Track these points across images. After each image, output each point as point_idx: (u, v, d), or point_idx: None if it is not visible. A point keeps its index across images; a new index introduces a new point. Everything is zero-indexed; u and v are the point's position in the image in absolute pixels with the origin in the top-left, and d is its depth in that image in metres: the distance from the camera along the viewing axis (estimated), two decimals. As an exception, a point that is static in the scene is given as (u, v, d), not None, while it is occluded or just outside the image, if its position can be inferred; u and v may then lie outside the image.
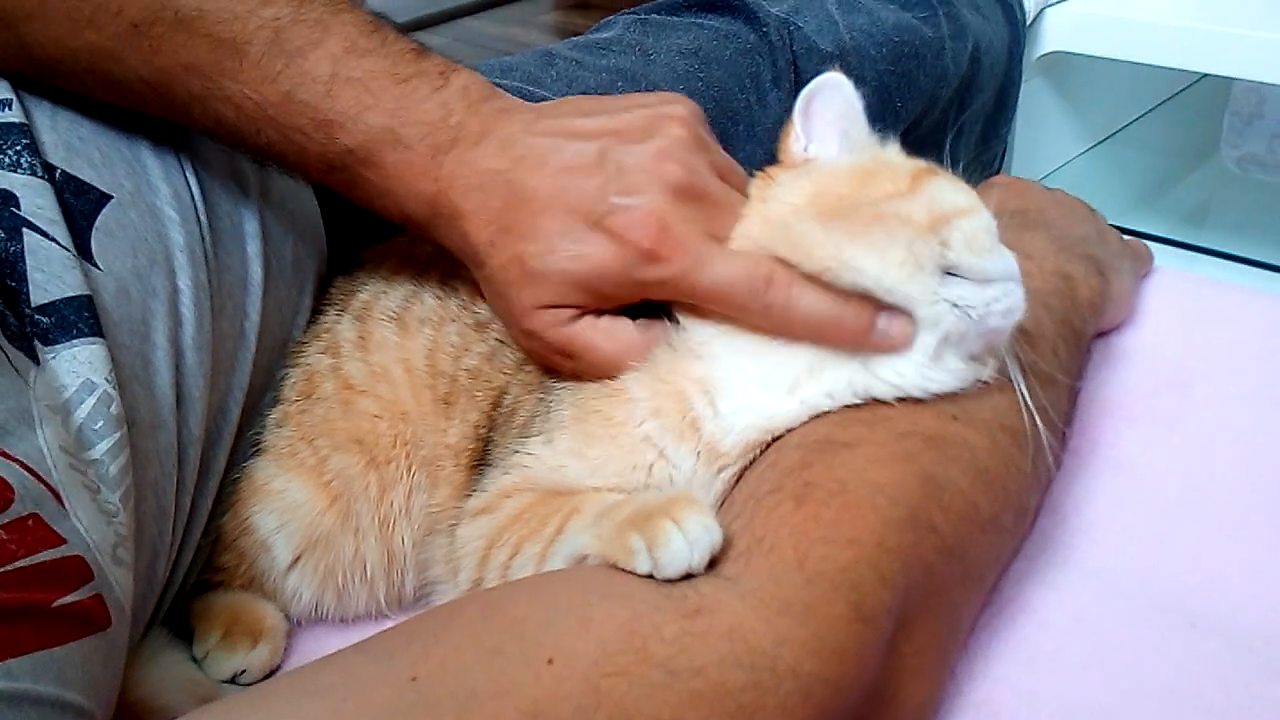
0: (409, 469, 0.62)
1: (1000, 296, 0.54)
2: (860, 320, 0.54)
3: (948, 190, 0.57)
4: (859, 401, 0.55)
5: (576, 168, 0.56)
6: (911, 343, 0.55)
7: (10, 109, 0.57)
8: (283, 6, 0.56)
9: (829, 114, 0.59)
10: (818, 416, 0.55)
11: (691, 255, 0.55)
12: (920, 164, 0.58)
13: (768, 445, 0.55)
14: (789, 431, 0.55)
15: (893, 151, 0.60)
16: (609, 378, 0.57)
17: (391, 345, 0.63)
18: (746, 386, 0.55)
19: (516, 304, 0.57)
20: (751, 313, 0.55)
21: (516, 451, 0.57)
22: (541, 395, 0.59)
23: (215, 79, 0.56)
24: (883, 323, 0.54)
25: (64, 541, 0.46)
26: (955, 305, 0.53)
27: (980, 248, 0.54)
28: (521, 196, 0.56)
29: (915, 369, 0.55)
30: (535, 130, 0.57)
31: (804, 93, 0.59)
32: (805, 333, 0.55)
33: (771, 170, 0.59)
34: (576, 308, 0.57)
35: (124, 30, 0.56)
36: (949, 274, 0.54)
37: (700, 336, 0.56)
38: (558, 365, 0.59)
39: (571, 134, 0.57)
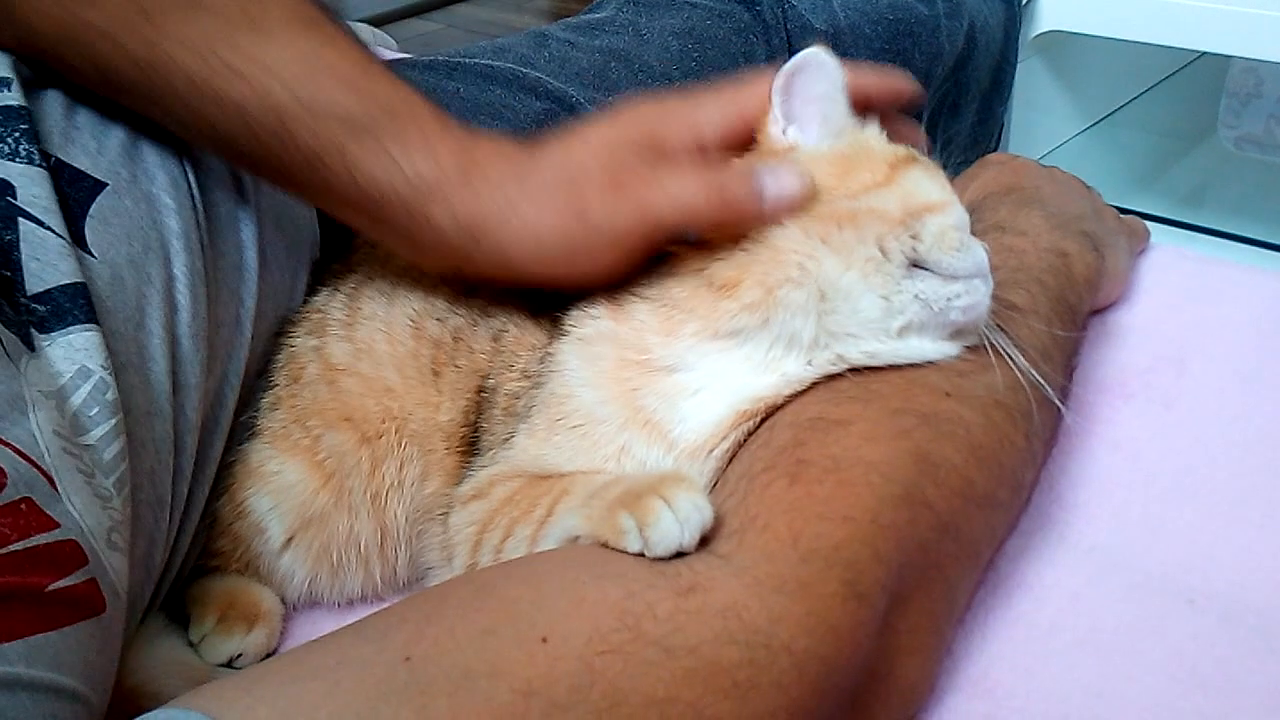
0: (399, 442, 0.62)
1: (963, 293, 0.55)
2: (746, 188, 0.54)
3: (924, 182, 0.56)
4: (837, 370, 0.55)
5: None
6: (797, 186, 0.54)
7: (10, 90, 0.57)
8: None
9: (811, 94, 0.56)
10: (808, 391, 0.55)
11: None
12: (899, 151, 0.58)
13: (761, 419, 0.55)
14: (779, 408, 0.55)
15: (873, 134, 0.59)
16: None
17: (378, 318, 0.63)
18: (717, 379, 0.55)
19: None
20: None
21: (506, 440, 0.57)
22: (514, 392, 0.59)
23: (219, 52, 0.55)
24: (770, 183, 0.54)
25: (57, 525, 0.46)
26: (917, 298, 0.54)
27: (949, 245, 0.55)
28: None
29: (885, 347, 0.55)
30: None
31: (785, 69, 0.56)
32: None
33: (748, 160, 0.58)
34: None
35: (125, 7, 0.55)
36: (917, 266, 0.54)
37: (670, 351, 0.56)
38: None
39: None
